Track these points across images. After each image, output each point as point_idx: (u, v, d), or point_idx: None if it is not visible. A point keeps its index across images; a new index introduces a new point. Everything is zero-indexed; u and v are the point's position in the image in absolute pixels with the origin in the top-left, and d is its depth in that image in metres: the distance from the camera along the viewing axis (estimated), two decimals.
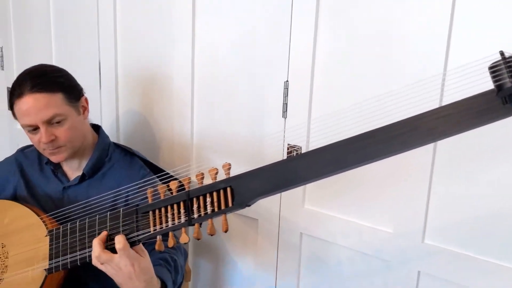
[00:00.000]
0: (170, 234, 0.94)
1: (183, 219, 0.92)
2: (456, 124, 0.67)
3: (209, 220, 0.90)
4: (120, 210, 1.02)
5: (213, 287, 1.78)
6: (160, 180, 1.24)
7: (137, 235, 0.98)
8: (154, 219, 0.96)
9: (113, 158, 1.40)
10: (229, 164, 0.90)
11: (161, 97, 1.74)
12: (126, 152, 1.45)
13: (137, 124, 1.84)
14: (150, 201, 0.98)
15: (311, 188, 1.47)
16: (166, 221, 0.94)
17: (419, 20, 1.20)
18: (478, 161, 1.18)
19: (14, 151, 1.52)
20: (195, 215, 0.91)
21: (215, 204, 0.89)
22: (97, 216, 1.06)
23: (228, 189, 0.88)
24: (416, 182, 1.27)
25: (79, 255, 1.07)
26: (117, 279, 1.01)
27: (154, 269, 1.05)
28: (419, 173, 1.26)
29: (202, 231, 0.92)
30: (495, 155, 1.16)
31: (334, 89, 1.37)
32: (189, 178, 0.94)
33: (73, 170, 1.40)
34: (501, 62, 0.63)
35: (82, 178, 1.37)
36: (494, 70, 0.63)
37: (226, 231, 0.89)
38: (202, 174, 0.92)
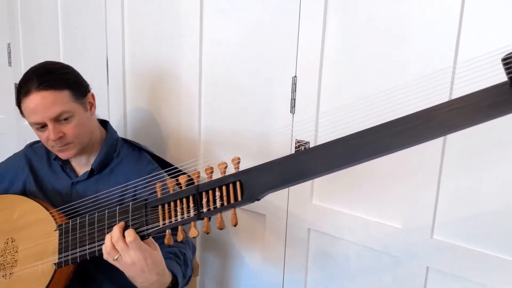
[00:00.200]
0: (180, 228, 0.94)
1: (192, 213, 0.92)
2: (468, 116, 0.66)
3: (218, 214, 0.90)
4: (129, 204, 1.02)
5: (221, 282, 1.79)
6: (169, 174, 1.24)
7: (147, 229, 0.99)
8: (164, 213, 0.96)
9: (121, 153, 1.41)
10: (239, 158, 0.90)
11: (169, 93, 1.74)
12: (134, 147, 1.45)
13: (144, 121, 1.84)
14: (159, 195, 0.98)
15: (319, 183, 1.47)
16: (175, 215, 0.95)
17: (428, 13, 1.19)
18: (488, 156, 1.18)
19: (21, 147, 1.52)
20: (204, 209, 0.91)
21: (225, 198, 0.89)
22: (106, 211, 1.06)
23: (238, 183, 0.88)
24: (425, 177, 1.26)
25: (89, 249, 1.08)
26: (129, 272, 1.01)
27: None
28: (428, 168, 1.25)
29: (211, 225, 0.92)
30: (505, 150, 1.15)
31: (343, 84, 1.36)
32: (198, 172, 0.94)
33: (82, 165, 1.40)
34: None
35: (91, 174, 1.37)
36: (507, 62, 0.63)
37: (235, 225, 0.89)
38: (211, 168, 0.92)
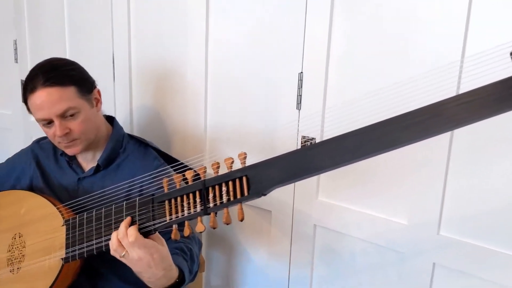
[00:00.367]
0: (186, 223, 0.94)
1: (198, 208, 0.92)
2: (476, 111, 0.66)
3: (225, 209, 0.90)
4: (136, 200, 1.03)
5: (227, 278, 1.79)
6: (175, 170, 1.24)
7: (153, 224, 0.99)
8: (170, 208, 0.97)
9: (128, 149, 1.41)
10: (245, 154, 0.90)
11: (175, 90, 1.74)
12: (141, 143, 1.45)
13: (150, 117, 1.84)
14: (166, 191, 0.98)
15: (325, 180, 1.47)
16: (182, 210, 0.95)
17: (436, 6, 1.19)
18: (496, 151, 1.17)
19: (28, 144, 1.53)
20: (211, 204, 0.91)
21: (231, 193, 0.89)
22: (113, 206, 1.07)
23: (244, 178, 0.88)
24: (432, 173, 1.26)
25: (96, 244, 1.08)
26: (136, 268, 1.02)
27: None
28: (435, 164, 1.25)
29: (217, 220, 0.92)
30: None
31: (349, 80, 1.36)
32: (205, 168, 0.94)
33: (88, 161, 1.41)
34: None
35: (97, 169, 1.37)
36: None
37: (242, 220, 0.89)
38: (218, 163, 0.92)
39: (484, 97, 0.65)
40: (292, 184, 1.50)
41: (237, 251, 1.73)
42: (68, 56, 1.98)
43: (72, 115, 1.27)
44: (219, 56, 1.61)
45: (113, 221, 1.06)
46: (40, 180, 1.41)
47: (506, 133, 1.14)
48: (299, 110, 1.45)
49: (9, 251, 1.25)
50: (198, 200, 0.93)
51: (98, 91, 1.38)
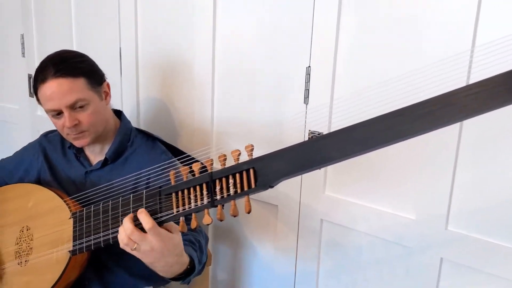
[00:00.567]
0: (193, 215, 0.94)
1: (205, 201, 0.92)
2: (485, 102, 0.65)
3: (232, 201, 0.90)
4: (143, 192, 1.03)
5: (233, 272, 1.79)
6: (181, 163, 1.24)
7: (161, 216, 0.99)
8: (177, 201, 0.96)
9: (135, 143, 1.41)
10: (252, 146, 0.89)
11: (182, 83, 1.74)
12: (148, 137, 1.45)
13: (157, 110, 1.84)
14: (173, 183, 0.98)
15: (331, 174, 1.46)
16: (189, 203, 0.94)
17: None
18: (505, 145, 1.16)
19: (35, 138, 1.54)
20: (218, 197, 0.91)
21: (238, 185, 0.88)
22: (120, 198, 1.07)
23: (251, 171, 0.87)
24: (440, 167, 1.25)
25: (103, 236, 1.08)
26: (149, 259, 1.00)
27: None
28: (443, 158, 1.24)
29: (224, 213, 0.92)
30: None
31: (357, 75, 1.35)
32: (212, 160, 0.93)
33: (96, 154, 1.41)
34: None
35: (105, 163, 1.38)
36: None
37: (249, 212, 0.88)
38: (225, 156, 0.92)
39: (493, 88, 0.65)
40: (299, 179, 1.50)
41: (243, 246, 1.73)
42: (75, 49, 1.98)
43: (81, 107, 1.28)
44: (227, 49, 1.61)
45: (120, 214, 1.06)
46: (48, 173, 1.41)
47: None
48: (307, 104, 1.44)
49: (17, 244, 1.26)
50: (205, 192, 0.92)
51: (108, 85, 1.39)
